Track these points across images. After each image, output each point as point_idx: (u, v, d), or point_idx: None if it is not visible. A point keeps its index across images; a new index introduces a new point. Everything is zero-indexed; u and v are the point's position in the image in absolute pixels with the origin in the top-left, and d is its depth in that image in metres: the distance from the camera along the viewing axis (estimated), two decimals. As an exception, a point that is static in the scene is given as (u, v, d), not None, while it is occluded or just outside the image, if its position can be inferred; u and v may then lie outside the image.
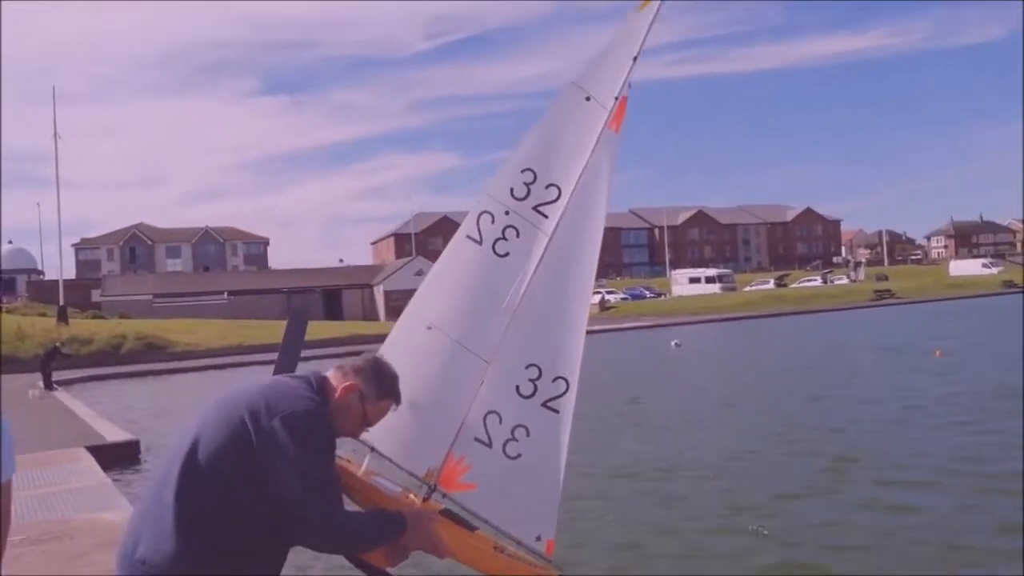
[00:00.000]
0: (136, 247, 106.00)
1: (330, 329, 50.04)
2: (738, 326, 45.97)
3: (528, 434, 2.91)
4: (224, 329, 46.62)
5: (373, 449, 2.97)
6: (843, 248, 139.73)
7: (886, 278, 79.74)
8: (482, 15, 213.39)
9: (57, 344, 28.95)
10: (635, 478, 10.22)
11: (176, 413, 20.30)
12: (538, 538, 2.84)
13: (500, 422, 2.93)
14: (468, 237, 3.10)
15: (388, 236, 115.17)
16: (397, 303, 69.30)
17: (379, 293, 71.87)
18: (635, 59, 3.07)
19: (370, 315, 69.67)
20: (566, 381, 2.95)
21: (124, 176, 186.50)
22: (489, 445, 2.93)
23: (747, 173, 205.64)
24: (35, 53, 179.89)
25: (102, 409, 19.27)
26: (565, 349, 2.98)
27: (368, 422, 2.63)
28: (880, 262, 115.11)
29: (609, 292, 71.88)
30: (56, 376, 26.38)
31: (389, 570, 2.70)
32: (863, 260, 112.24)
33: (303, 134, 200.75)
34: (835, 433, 12.44)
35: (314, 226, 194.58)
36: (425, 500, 2.88)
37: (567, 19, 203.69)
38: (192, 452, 2.38)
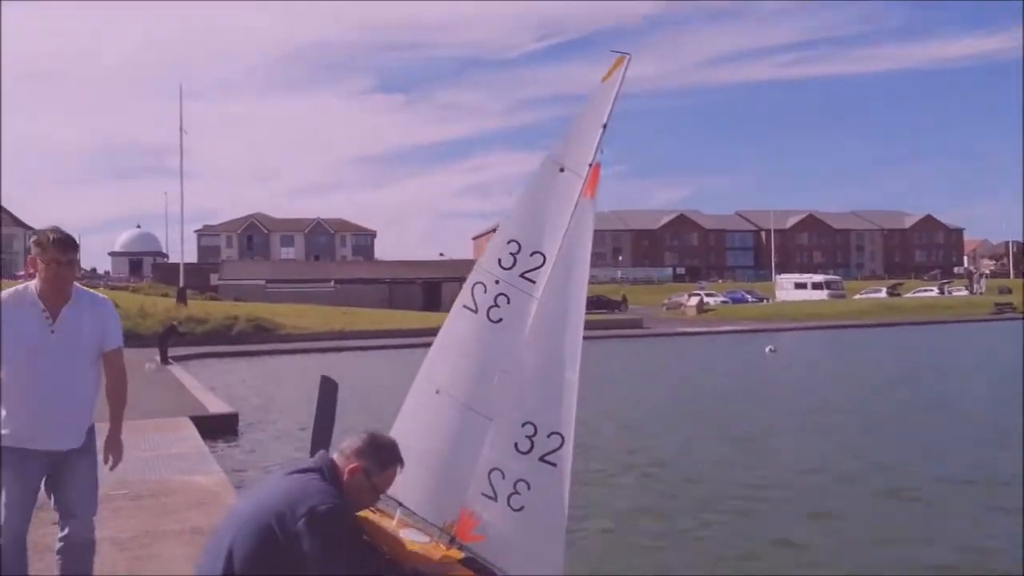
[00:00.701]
0: (253, 235, 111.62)
1: (428, 319, 51.36)
2: (841, 334, 44.20)
3: (529, 487, 3.17)
4: (328, 315, 48.53)
5: (401, 504, 3.34)
6: (965, 258, 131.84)
7: (1009, 291, 74.72)
8: (589, 16, 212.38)
9: (174, 323, 31.01)
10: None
11: (277, 390, 21.46)
12: None
13: (503, 477, 3.20)
14: (464, 307, 3.41)
15: (488, 231, 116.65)
16: (494, 297, 70.34)
17: (477, 286, 73.07)
18: (604, 127, 3.25)
19: (468, 308, 70.93)
20: (561, 436, 3.18)
21: (245, 168, 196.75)
22: (495, 499, 3.21)
23: (863, 177, 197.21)
24: (167, 50, 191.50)
25: (209, 383, 20.56)
26: (558, 406, 3.20)
27: (380, 492, 2.92)
28: (1006, 274, 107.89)
29: (708, 295, 70.54)
30: (172, 352, 28.23)
31: None
32: (986, 271, 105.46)
33: (414, 132, 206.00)
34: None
35: (419, 221, 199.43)
36: (449, 548, 3.19)
37: (671, 20, 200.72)
38: (228, 562, 2.64)
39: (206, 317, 41.83)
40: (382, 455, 2.86)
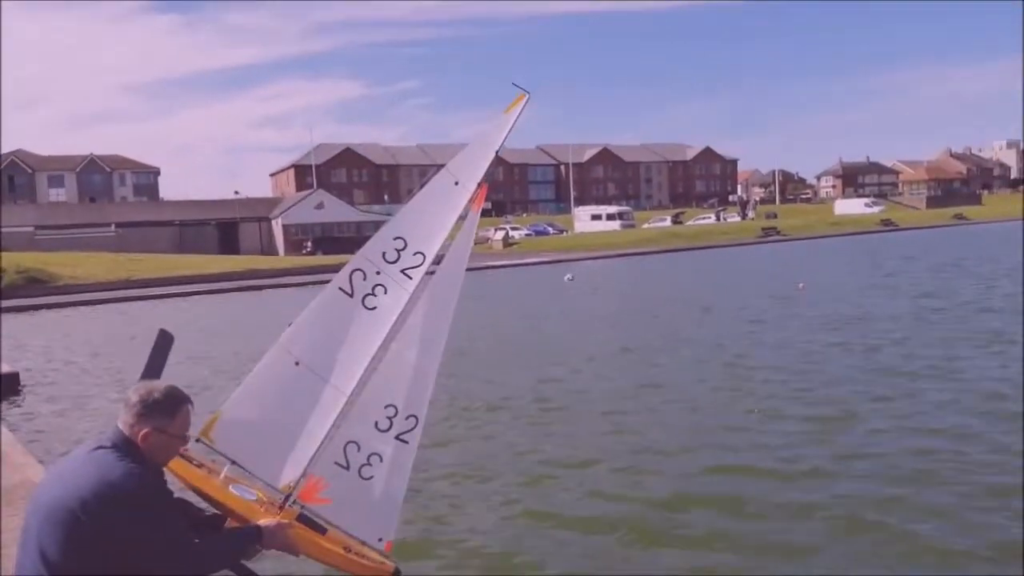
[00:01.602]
0: (15, 175, 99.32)
1: (226, 263, 48.95)
2: (632, 261, 47.70)
3: (381, 460, 3.55)
4: (111, 262, 44.96)
5: (234, 462, 3.45)
6: (739, 187, 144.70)
7: (775, 216, 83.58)
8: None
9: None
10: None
11: (58, 347, 19.90)
12: (380, 539, 3.52)
13: (358, 450, 3.55)
14: (340, 289, 3.62)
15: (288, 167, 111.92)
16: (296, 237, 68.11)
17: (278, 226, 70.38)
18: (496, 152, 3.69)
19: (268, 249, 68.26)
20: (416, 418, 3.59)
21: (2, 97, 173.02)
22: (347, 468, 3.55)
23: (651, 111, 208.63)
24: None
25: (-21, 344, 18.65)
26: (419, 391, 3.61)
27: (183, 437, 2.95)
28: (773, 201, 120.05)
29: (513, 228, 72.78)
30: (-73, 311, 25.15)
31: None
32: (756, 199, 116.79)
33: (196, 56, 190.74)
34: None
35: (209, 155, 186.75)
36: (281, 507, 3.40)
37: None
38: (44, 560, 2.59)
39: (-34, 270, 37.38)
40: (165, 406, 2.84)
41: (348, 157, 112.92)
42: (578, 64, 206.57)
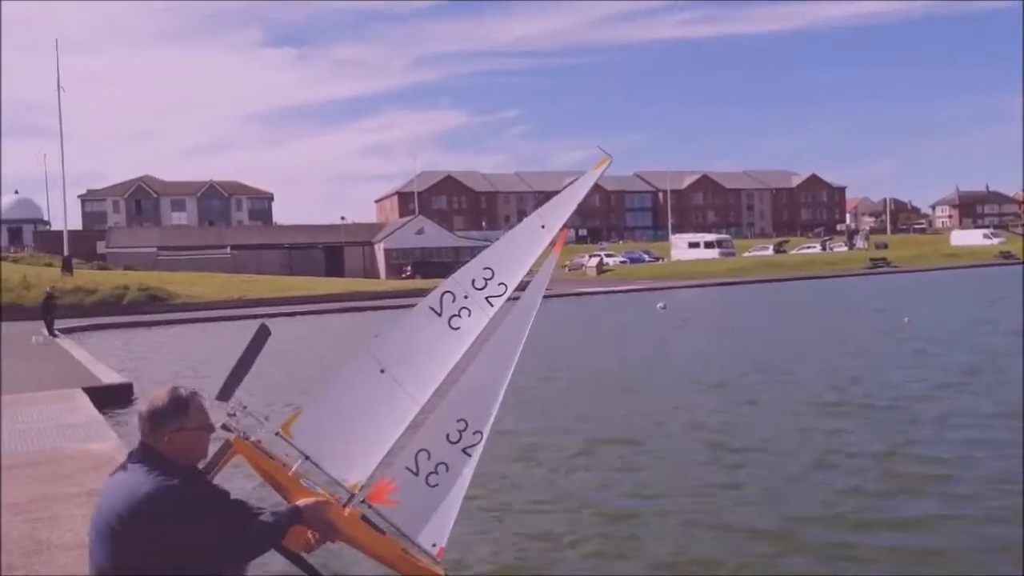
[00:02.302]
0: (141, 200, 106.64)
1: (331, 285, 50.99)
2: (729, 291, 46.65)
3: (447, 470, 3.83)
4: (225, 282, 47.51)
5: (307, 457, 3.67)
6: (847, 216, 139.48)
7: (886, 246, 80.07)
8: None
9: (49, 291, 29.75)
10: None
11: (171, 360, 21.24)
12: (434, 545, 3.77)
13: (428, 458, 3.84)
14: (431, 308, 3.94)
15: (392, 194, 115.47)
16: (397, 261, 70.11)
17: (379, 251, 72.63)
18: (578, 204, 4.14)
19: (371, 272, 70.53)
20: (481, 433, 3.88)
21: (130, 127, 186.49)
22: (416, 474, 3.82)
23: (754, 138, 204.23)
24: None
25: (101, 354, 20.18)
26: (487, 409, 3.90)
27: (204, 427, 3.05)
28: (884, 230, 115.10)
29: (608, 255, 72.57)
30: (61, 324, 27.31)
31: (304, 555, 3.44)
32: (865, 228, 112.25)
33: (309, 88, 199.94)
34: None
35: (319, 182, 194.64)
36: (345, 506, 3.58)
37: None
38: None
39: (95, 287, 40.36)
40: (174, 406, 2.94)
41: (449, 184, 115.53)
42: (677, 91, 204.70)
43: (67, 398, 12.57)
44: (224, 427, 3.44)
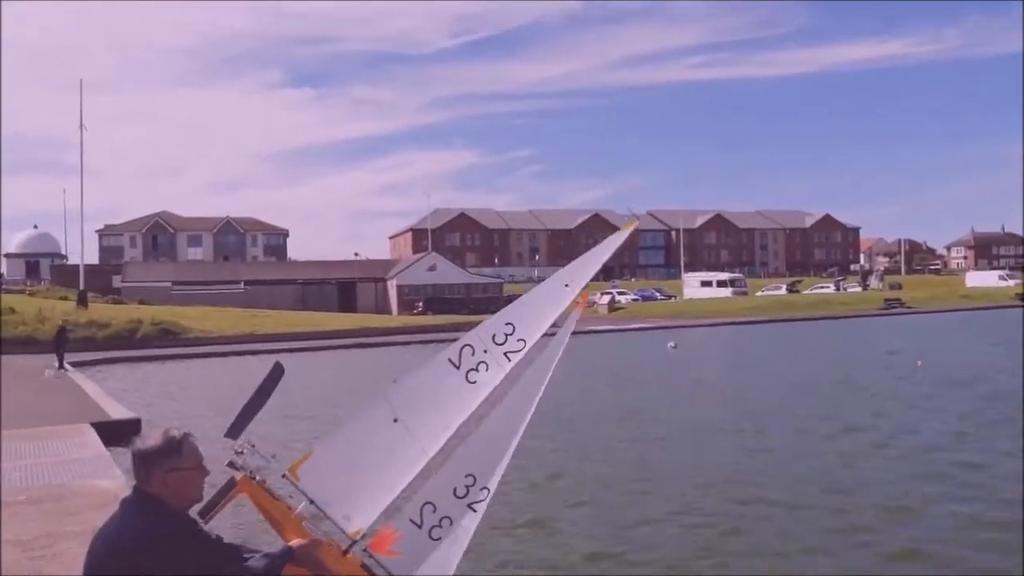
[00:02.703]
0: (158, 235, 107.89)
1: (342, 321, 51.11)
2: (742, 330, 46.40)
3: (451, 524, 3.79)
4: (237, 317, 47.76)
5: (311, 501, 3.67)
6: (861, 256, 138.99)
7: (900, 287, 79.62)
8: (507, 14, 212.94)
9: (62, 324, 29.94)
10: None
11: (181, 395, 21.28)
12: None
13: (434, 511, 3.80)
14: (449, 360, 3.93)
15: (405, 231, 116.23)
16: (409, 297, 70.28)
17: (392, 287, 72.89)
18: (603, 265, 4.23)
19: (383, 308, 70.71)
20: (488, 489, 3.85)
21: (149, 165, 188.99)
22: (420, 527, 3.79)
23: (767, 179, 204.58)
24: (64, 40, 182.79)
25: (111, 389, 20.25)
26: (498, 465, 3.86)
27: (199, 471, 3.02)
28: (898, 271, 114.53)
29: (620, 293, 72.49)
30: (74, 358, 27.47)
31: None
32: (880, 268, 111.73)
33: (325, 128, 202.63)
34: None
35: (334, 220, 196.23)
36: (344, 552, 3.57)
37: (591, 19, 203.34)
38: None
39: (108, 321, 40.62)
40: (167, 447, 2.94)
41: (462, 222, 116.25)
42: (690, 132, 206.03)
43: (75, 433, 12.60)
44: (231, 464, 3.44)
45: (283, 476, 3.64)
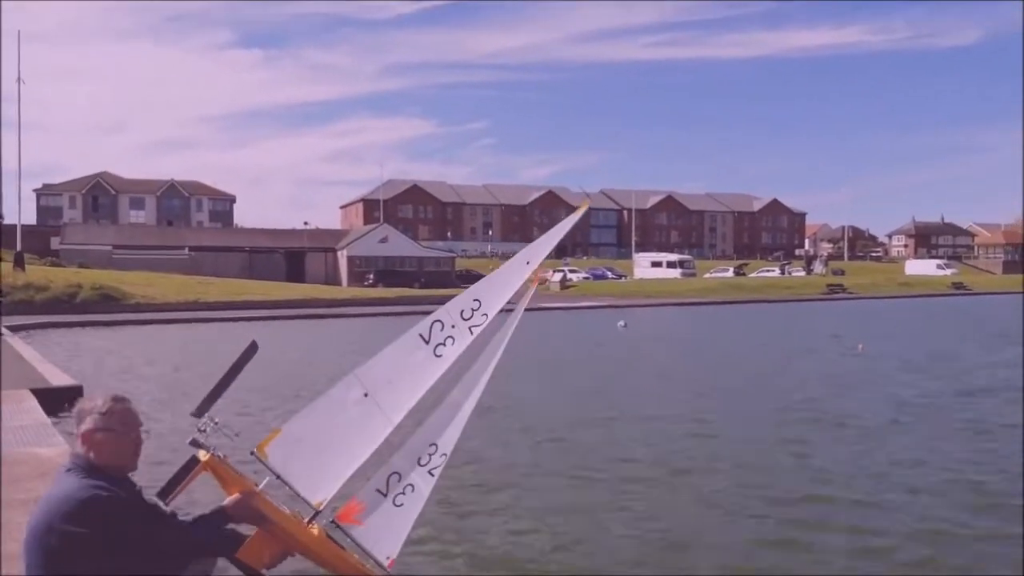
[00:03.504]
0: (99, 196, 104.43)
1: (290, 291, 50.36)
2: (690, 311, 47.21)
3: (413, 490, 3.99)
4: (181, 284, 46.71)
5: (278, 476, 3.72)
6: (807, 241, 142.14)
7: (842, 273, 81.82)
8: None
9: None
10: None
11: (122, 362, 20.77)
12: (387, 557, 3.91)
13: (399, 480, 3.99)
14: (420, 335, 4.07)
15: (357, 201, 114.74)
16: (360, 269, 69.56)
17: (343, 258, 72.05)
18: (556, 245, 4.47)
19: (332, 279, 69.87)
20: (446, 455, 4.07)
21: (91, 122, 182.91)
22: (385, 496, 3.96)
23: (719, 161, 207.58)
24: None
25: (51, 355, 19.65)
26: (454, 432, 4.07)
27: (121, 432, 3.10)
28: (841, 257, 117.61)
29: (572, 271, 72.99)
30: (10, 321, 26.54)
31: (264, 572, 3.45)
32: (824, 254, 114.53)
33: (276, 91, 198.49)
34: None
35: (283, 186, 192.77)
36: (308, 522, 3.67)
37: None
38: None
39: (47, 284, 39.37)
40: (94, 407, 3.07)
41: (415, 194, 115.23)
42: (645, 111, 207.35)
43: (15, 399, 12.19)
44: (193, 442, 3.40)
45: (251, 453, 3.66)
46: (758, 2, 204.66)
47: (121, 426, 3.08)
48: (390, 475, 3.93)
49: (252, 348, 3.96)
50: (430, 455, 3.96)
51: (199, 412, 3.48)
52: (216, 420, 3.47)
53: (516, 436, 11.73)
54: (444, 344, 4.02)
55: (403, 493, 3.92)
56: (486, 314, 4.09)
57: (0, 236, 45.28)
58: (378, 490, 3.92)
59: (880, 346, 24.43)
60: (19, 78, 45.66)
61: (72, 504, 2.86)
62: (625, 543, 7.27)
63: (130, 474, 3.22)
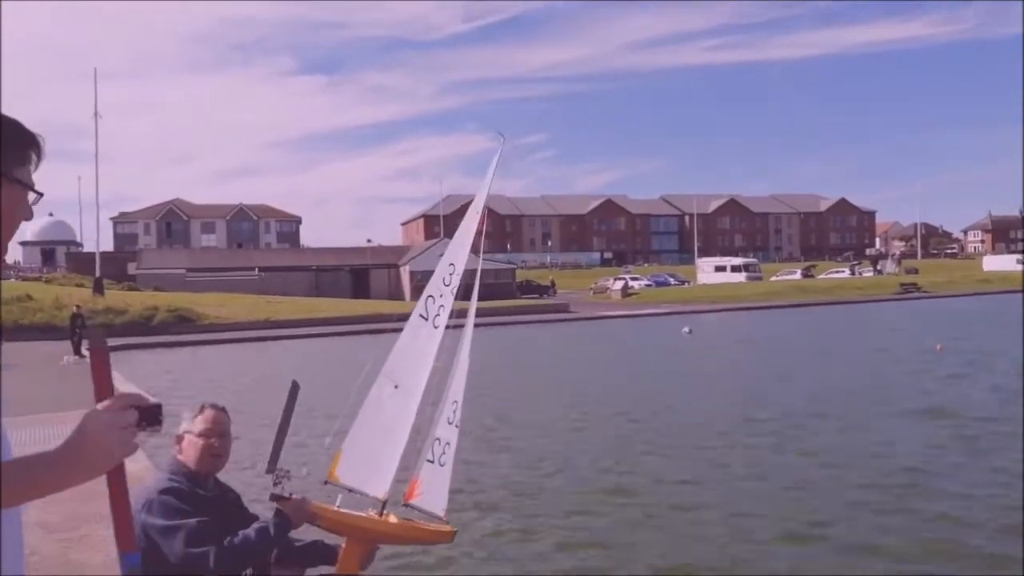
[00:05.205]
0: (172, 222, 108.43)
1: (355, 307, 51.22)
2: (757, 315, 46.18)
3: (449, 446, 4.21)
4: (252, 304, 47.95)
5: (351, 490, 3.97)
6: (877, 240, 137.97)
7: (916, 271, 79.00)
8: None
9: (77, 308, 29.87)
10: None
11: (199, 380, 21.42)
12: (442, 510, 4.11)
13: (439, 443, 4.21)
14: (420, 315, 4.28)
15: (418, 217, 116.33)
16: (421, 283, 70.17)
17: (405, 273, 72.95)
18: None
19: (395, 294, 70.79)
20: (458, 403, 4.25)
21: (162, 152, 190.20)
22: (433, 462, 4.19)
23: (782, 162, 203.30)
24: (77, 31, 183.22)
25: (130, 375, 20.39)
26: (463, 382, 4.29)
27: (205, 438, 3.36)
28: (914, 255, 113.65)
29: (633, 279, 72.28)
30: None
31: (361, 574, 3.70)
32: (895, 252, 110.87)
33: (338, 114, 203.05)
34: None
35: (346, 206, 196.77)
36: (381, 513, 3.92)
37: (602, 3, 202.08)
38: None
39: (125, 308, 40.87)
40: (192, 415, 3.43)
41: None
42: (704, 115, 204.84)
43: (97, 418, 12.65)
44: (274, 497, 3.56)
45: (325, 483, 3.95)
46: (810, 2, 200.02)
47: (204, 430, 3.38)
48: (435, 443, 4.16)
49: (295, 390, 4.10)
50: (454, 411, 4.20)
51: (271, 468, 3.63)
52: (287, 469, 3.65)
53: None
54: (439, 315, 4.25)
55: (444, 452, 4.18)
56: (453, 264, 4.34)
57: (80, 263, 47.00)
58: (428, 460, 4.15)
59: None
60: (96, 113, 47.70)
61: (149, 494, 3.16)
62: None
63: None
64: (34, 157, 1.55)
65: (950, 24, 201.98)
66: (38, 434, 11.31)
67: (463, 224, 4.59)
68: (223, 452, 3.46)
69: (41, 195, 1.59)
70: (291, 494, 3.58)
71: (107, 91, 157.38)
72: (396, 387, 4.12)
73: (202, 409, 3.45)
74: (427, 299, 4.27)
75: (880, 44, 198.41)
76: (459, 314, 4.22)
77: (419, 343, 4.22)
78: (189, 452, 3.35)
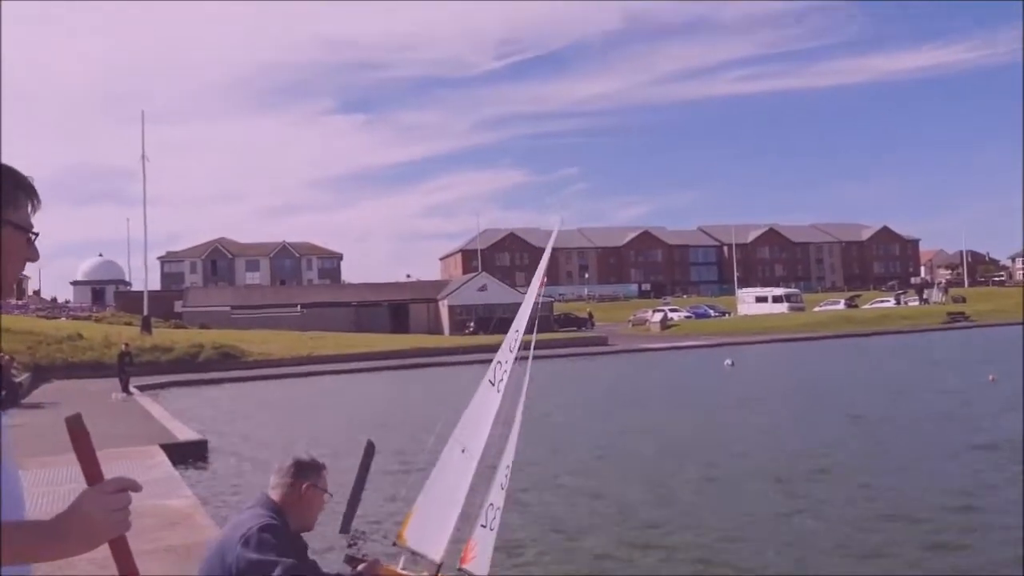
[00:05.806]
0: (217, 260, 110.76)
1: (395, 342, 51.63)
2: (800, 347, 45.38)
3: (499, 510, 4.30)
4: (295, 340, 48.59)
5: (414, 553, 4.10)
6: (922, 268, 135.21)
7: (963, 300, 77.10)
8: (551, 34, 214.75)
9: (125, 346, 30.30)
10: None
11: (243, 417, 21.71)
12: (487, 572, 4.18)
13: (491, 508, 4.30)
14: (489, 381, 4.46)
15: (455, 252, 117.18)
16: (460, 317, 70.62)
17: (444, 307, 73.36)
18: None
19: (435, 329, 71.15)
20: (509, 466, 4.36)
21: (207, 193, 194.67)
22: (487, 527, 4.28)
23: (822, 191, 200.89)
24: (125, 75, 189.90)
25: (177, 412, 20.76)
26: (514, 446, 4.38)
27: (327, 493, 3.54)
28: (961, 283, 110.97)
29: (672, 310, 71.70)
30: (139, 382, 28.23)
31: None
32: (941, 281, 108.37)
33: (376, 152, 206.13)
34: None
35: (385, 242, 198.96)
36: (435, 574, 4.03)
37: (635, 36, 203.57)
38: None
39: (171, 345, 41.75)
40: (314, 466, 3.52)
41: (511, 241, 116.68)
42: (740, 145, 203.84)
43: (145, 455, 12.94)
44: (348, 559, 3.72)
45: (393, 544, 4.13)
46: (847, 28, 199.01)
47: (327, 487, 3.53)
48: (488, 507, 4.23)
49: (370, 450, 4.24)
50: (506, 476, 4.28)
51: (344, 529, 3.80)
52: (363, 531, 3.84)
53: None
54: (503, 380, 4.38)
55: (495, 517, 4.26)
56: (519, 334, 4.49)
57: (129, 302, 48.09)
58: (482, 525, 4.21)
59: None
60: (143, 155, 49.26)
61: (246, 529, 3.26)
62: None
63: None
64: (28, 200, 1.59)
65: (985, 48, 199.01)
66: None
67: (527, 295, 4.85)
68: None
69: (37, 234, 1.62)
70: (364, 555, 3.72)
71: (153, 133, 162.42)
72: (463, 451, 4.27)
73: (324, 467, 3.55)
74: (495, 365, 4.43)
75: (915, 71, 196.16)
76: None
77: (484, 408, 4.38)
78: (309, 502, 3.44)
